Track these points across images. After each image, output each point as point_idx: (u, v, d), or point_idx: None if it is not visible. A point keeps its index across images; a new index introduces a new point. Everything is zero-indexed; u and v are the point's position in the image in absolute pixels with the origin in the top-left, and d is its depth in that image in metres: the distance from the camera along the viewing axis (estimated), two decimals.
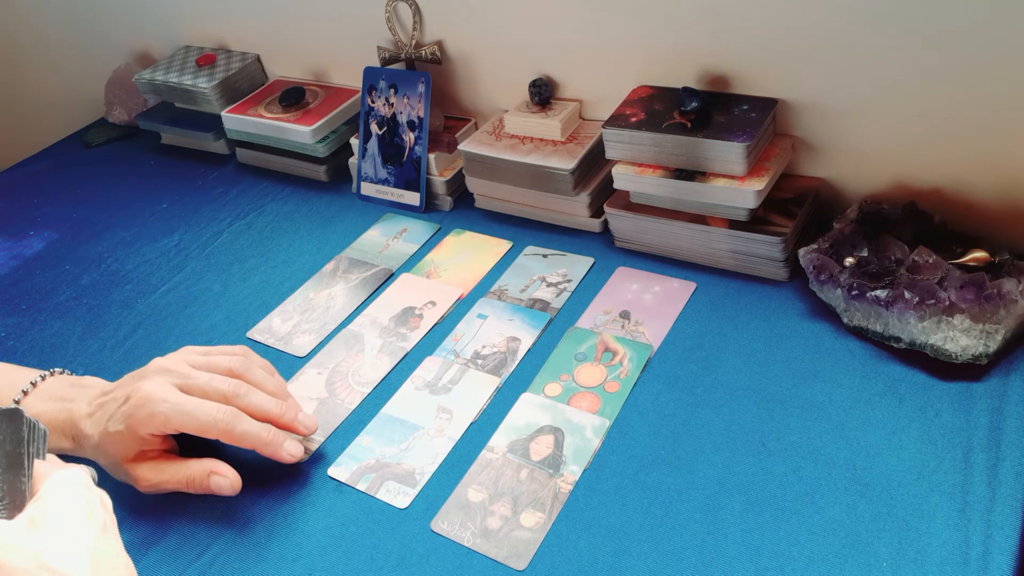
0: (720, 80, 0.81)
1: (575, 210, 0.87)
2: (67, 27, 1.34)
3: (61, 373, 0.68)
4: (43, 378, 0.66)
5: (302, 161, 1.04)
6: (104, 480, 0.54)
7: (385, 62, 0.98)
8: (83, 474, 0.50)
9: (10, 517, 0.47)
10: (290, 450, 0.63)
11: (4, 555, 0.43)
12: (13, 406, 0.50)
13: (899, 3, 0.68)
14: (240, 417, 0.61)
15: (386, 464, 0.65)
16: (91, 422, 0.63)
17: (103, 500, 0.50)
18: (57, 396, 0.66)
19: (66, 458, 0.53)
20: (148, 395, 0.61)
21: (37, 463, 0.50)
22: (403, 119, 0.95)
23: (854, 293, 0.68)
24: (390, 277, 0.86)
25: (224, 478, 0.62)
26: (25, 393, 0.65)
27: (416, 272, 0.86)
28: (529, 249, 0.86)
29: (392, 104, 0.96)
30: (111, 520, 0.50)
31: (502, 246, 0.88)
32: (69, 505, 0.48)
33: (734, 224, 0.77)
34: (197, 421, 0.60)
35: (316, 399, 0.72)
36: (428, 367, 0.73)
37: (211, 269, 0.91)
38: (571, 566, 0.55)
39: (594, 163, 0.87)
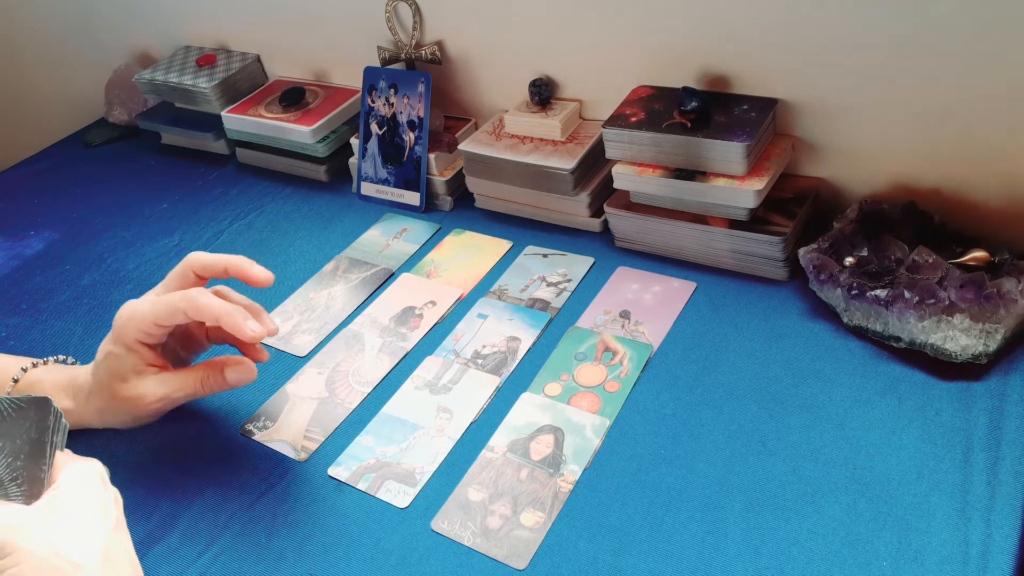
0: (720, 80, 0.81)
1: (575, 210, 0.87)
2: (67, 27, 1.34)
3: (74, 363, 0.71)
4: (55, 360, 0.70)
5: (302, 161, 1.04)
6: (112, 480, 0.55)
7: (385, 62, 0.98)
8: (100, 468, 0.51)
9: (27, 503, 0.47)
10: (252, 326, 0.60)
11: (19, 539, 0.44)
12: (42, 395, 0.51)
13: (900, 4, 0.68)
14: (203, 291, 0.61)
15: (386, 464, 0.65)
16: (87, 371, 0.65)
17: (116, 498, 0.51)
18: (62, 369, 0.68)
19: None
20: (126, 305, 0.63)
21: (57, 453, 0.50)
22: (403, 119, 0.95)
23: (854, 293, 0.68)
24: (390, 277, 0.86)
25: (240, 367, 0.63)
26: (35, 365, 0.68)
27: (416, 272, 0.86)
28: (529, 249, 0.86)
29: (392, 104, 0.96)
30: (122, 519, 0.51)
31: (502, 246, 0.88)
32: (85, 498, 0.48)
33: (734, 224, 0.77)
34: (166, 304, 0.60)
35: (316, 399, 0.72)
36: (428, 367, 0.73)
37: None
38: (571, 565, 0.55)
39: (594, 163, 0.87)
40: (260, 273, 0.64)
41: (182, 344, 0.69)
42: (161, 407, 0.64)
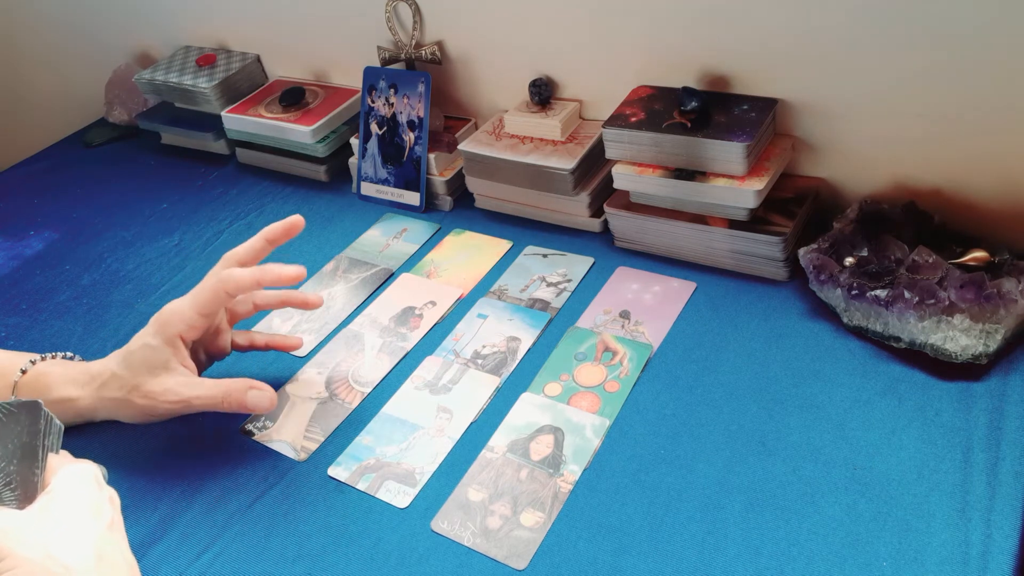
0: (720, 80, 0.81)
1: (575, 210, 0.87)
2: (67, 27, 1.34)
3: (81, 360, 0.71)
4: (63, 356, 0.70)
5: (302, 161, 1.04)
6: (112, 480, 0.55)
7: (385, 62, 0.98)
8: (95, 469, 0.51)
9: (20, 508, 0.47)
10: (293, 268, 0.66)
11: (12, 544, 0.44)
12: (32, 399, 0.51)
13: (899, 4, 0.68)
14: (231, 268, 0.66)
15: (386, 464, 0.65)
16: (104, 362, 0.66)
17: (112, 497, 0.51)
18: (69, 364, 0.69)
19: (73, 455, 0.53)
20: (168, 305, 0.66)
21: (50, 456, 0.50)
22: (403, 119, 0.95)
23: (854, 293, 0.68)
24: (390, 277, 0.86)
25: (262, 392, 0.64)
26: (43, 359, 0.68)
27: (416, 272, 0.86)
28: (529, 249, 0.86)
29: (392, 104, 0.96)
30: (118, 518, 0.51)
31: (502, 246, 0.88)
32: (78, 500, 0.48)
33: (734, 224, 0.77)
34: (206, 291, 0.65)
35: (316, 399, 0.72)
36: (428, 367, 0.73)
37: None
38: (571, 566, 0.55)
39: (594, 163, 0.87)
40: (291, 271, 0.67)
41: (207, 346, 0.70)
42: (177, 409, 0.64)
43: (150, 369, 0.64)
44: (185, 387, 0.64)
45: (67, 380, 0.67)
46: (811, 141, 0.80)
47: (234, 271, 0.65)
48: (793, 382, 0.66)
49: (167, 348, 0.64)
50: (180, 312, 0.64)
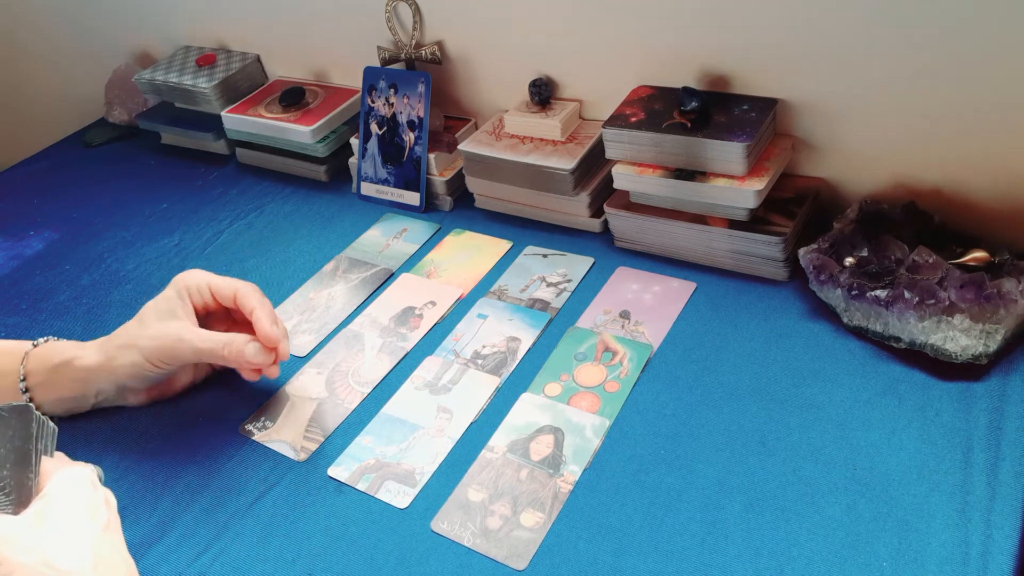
0: (720, 80, 0.81)
1: (575, 210, 0.87)
2: (67, 27, 1.34)
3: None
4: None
5: (302, 161, 1.04)
6: (108, 481, 0.55)
7: (385, 62, 0.98)
8: (89, 472, 0.51)
9: (15, 513, 0.47)
10: (274, 331, 0.67)
11: (8, 550, 0.44)
12: (23, 403, 0.51)
13: (900, 3, 0.68)
14: (259, 291, 0.70)
15: (386, 464, 0.65)
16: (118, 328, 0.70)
17: (108, 499, 0.51)
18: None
19: (72, 456, 0.53)
20: (185, 271, 0.71)
21: (44, 460, 0.50)
22: (403, 119, 0.95)
23: (854, 293, 0.68)
24: (390, 277, 0.86)
25: (263, 346, 0.67)
26: (45, 340, 0.70)
27: (416, 272, 0.86)
28: (529, 249, 0.86)
29: (392, 104, 0.96)
30: (115, 519, 0.50)
31: (502, 246, 0.88)
32: (74, 503, 0.48)
33: (734, 224, 0.77)
34: (227, 279, 0.70)
35: (316, 399, 0.72)
36: (428, 367, 0.73)
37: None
38: (571, 566, 0.55)
39: (594, 163, 0.87)
40: (271, 349, 0.68)
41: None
42: (180, 350, 0.66)
43: (159, 315, 0.68)
44: (189, 332, 0.67)
45: (77, 346, 0.69)
46: (811, 141, 0.80)
47: (244, 344, 0.67)
48: (793, 382, 0.66)
49: (178, 299, 0.68)
50: (198, 274, 0.70)
